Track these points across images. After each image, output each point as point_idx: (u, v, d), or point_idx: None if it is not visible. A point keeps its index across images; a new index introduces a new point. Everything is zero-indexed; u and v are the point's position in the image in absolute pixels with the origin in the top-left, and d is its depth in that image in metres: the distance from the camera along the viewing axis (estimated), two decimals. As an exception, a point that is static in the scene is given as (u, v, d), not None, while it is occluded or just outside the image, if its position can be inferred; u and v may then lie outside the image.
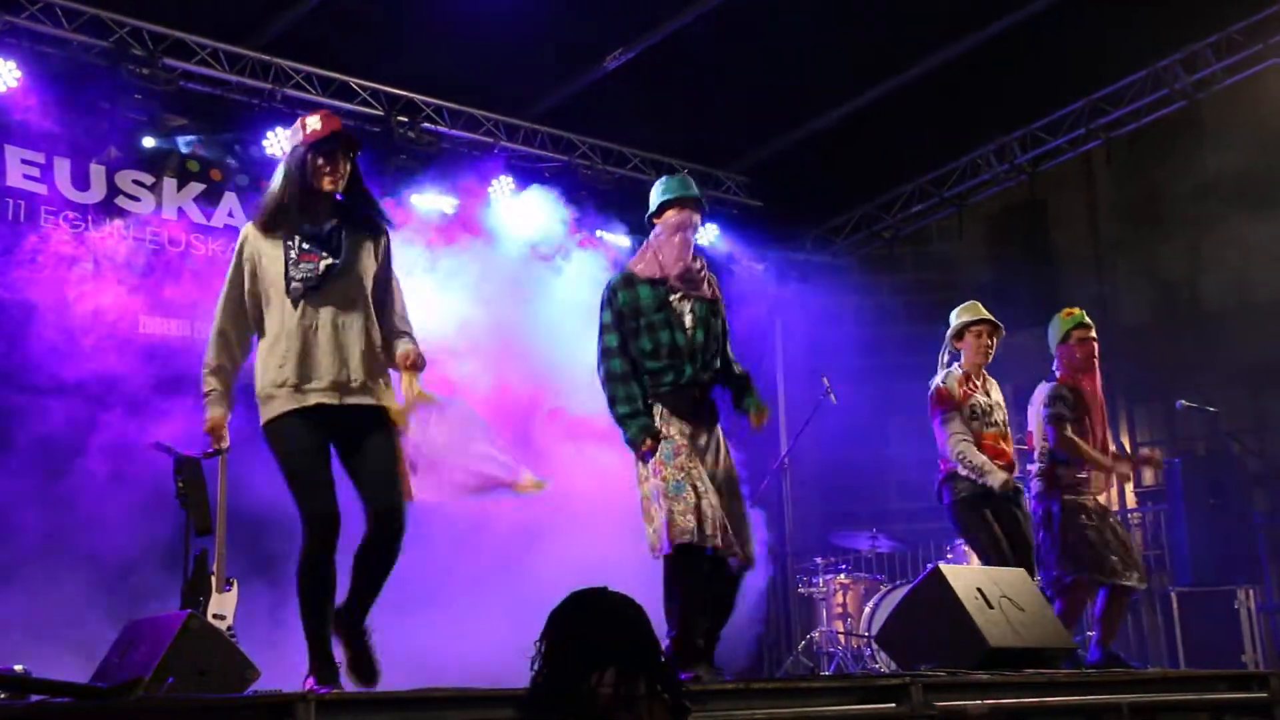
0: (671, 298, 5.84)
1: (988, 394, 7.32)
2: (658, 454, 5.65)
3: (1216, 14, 11.92)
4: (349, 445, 5.07)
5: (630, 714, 2.82)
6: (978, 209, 14.16)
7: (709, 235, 13.10)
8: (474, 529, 9.03)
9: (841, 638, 9.34)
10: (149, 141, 10.39)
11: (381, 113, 11.45)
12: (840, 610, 9.45)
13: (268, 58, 10.83)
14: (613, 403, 5.82)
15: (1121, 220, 14.18)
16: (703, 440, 5.81)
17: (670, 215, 5.89)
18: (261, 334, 5.20)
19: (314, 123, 5.21)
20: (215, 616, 7.14)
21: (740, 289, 12.79)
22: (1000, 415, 7.27)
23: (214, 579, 7.27)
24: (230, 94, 10.80)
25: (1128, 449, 13.69)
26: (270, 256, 5.13)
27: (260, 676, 5.79)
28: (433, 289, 10.62)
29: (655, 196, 6.00)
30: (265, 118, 10.85)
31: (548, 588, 3.46)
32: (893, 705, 5.45)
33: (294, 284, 5.03)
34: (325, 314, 5.04)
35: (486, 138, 12.18)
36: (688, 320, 5.85)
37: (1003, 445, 7.21)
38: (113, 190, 10.22)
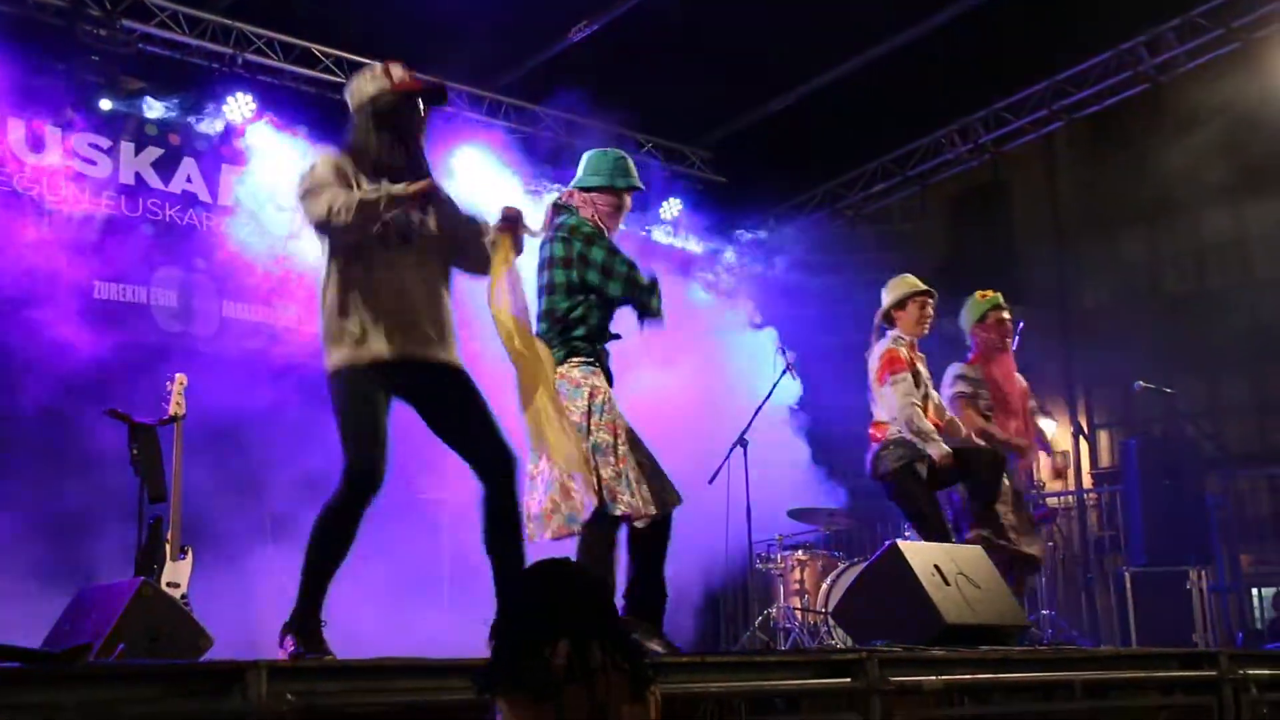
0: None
1: (922, 367, 7.22)
2: (595, 405, 5.33)
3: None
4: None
5: (587, 685, 2.81)
6: (940, 189, 14.19)
7: (673, 210, 13.08)
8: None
9: (798, 614, 9.37)
10: (106, 104, 10.24)
11: (343, 80, 11.31)
12: (797, 587, 9.48)
13: (229, 21, 10.70)
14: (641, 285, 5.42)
15: (1083, 203, 14.27)
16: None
17: (608, 198, 5.61)
18: None
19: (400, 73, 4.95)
20: (169, 584, 7.07)
21: (703, 264, 12.79)
22: (931, 390, 7.18)
23: (168, 547, 7.20)
24: (190, 57, 10.67)
25: (1084, 428, 13.84)
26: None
27: (213, 644, 5.74)
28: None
29: (607, 175, 5.68)
30: (225, 82, 10.72)
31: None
32: (848, 680, 5.45)
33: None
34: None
35: (449, 108, 12.09)
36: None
37: (934, 418, 7.09)
38: (68, 153, 10.07)
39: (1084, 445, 13.84)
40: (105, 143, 10.30)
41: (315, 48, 11.19)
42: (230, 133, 10.83)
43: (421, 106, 4.99)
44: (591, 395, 5.29)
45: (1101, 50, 12.55)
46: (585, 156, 5.77)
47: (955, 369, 7.45)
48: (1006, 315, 7.47)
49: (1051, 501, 12.47)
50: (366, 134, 4.95)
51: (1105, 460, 13.69)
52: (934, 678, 5.69)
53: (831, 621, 8.49)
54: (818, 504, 10.29)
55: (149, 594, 5.48)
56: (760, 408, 8.15)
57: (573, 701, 2.79)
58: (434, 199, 4.79)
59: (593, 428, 5.22)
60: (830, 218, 14.46)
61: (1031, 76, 12.94)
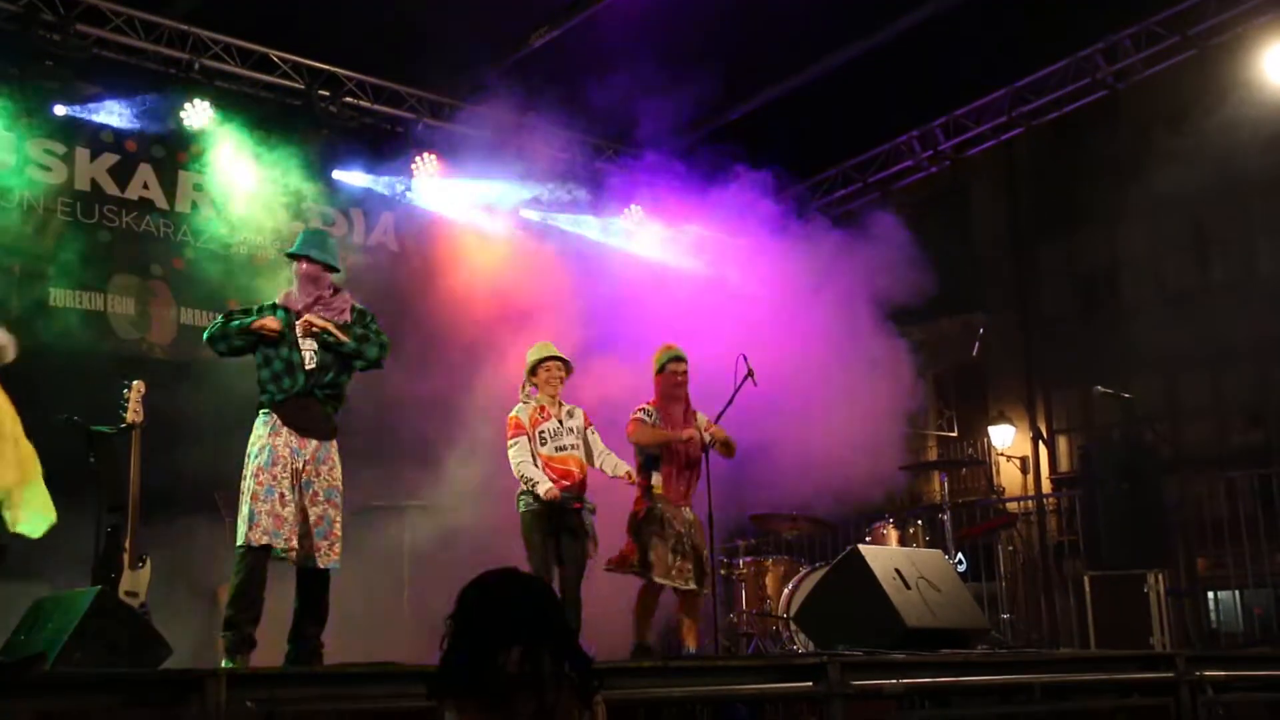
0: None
1: (561, 421, 7.66)
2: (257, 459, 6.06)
3: (1138, 5, 12.07)
4: None
5: (536, 692, 2.83)
6: (901, 195, 14.26)
7: (635, 216, 13.08)
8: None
9: (760, 619, 9.37)
10: (61, 110, 10.15)
11: (302, 86, 11.28)
12: (760, 592, 9.48)
13: (185, 27, 10.62)
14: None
15: (1041, 209, 14.37)
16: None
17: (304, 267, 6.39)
18: None
19: None
20: (127, 593, 6.98)
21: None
22: (571, 440, 7.64)
23: (126, 555, 7.12)
24: (146, 63, 10.58)
25: (1043, 433, 13.92)
26: None
27: (172, 654, 5.69)
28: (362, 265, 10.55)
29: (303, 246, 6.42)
30: (182, 88, 10.65)
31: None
32: (809, 684, 5.48)
33: None
34: None
35: (409, 114, 12.07)
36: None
37: (570, 466, 7.53)
38: (23, 159, 9.98)
39: (1043, 450, 13.93)
40: (60, 149, 10.21)
41: (273, 53, 11.12)
42: (187, 138, 10.76)
43: None
44: (255, 442, 6.12)
45: (1059, 58, 12.64)
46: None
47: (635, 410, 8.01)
48: (683, 367, 8.03)
49: (1011, 507, 12.57)
50: None
51: (1064, 465, 13.78)
52: (895, 681, 5.72)
53: (794, 626, 8.50)
54: (778, 510, 10.29)
55: (106, 604, 5.42)
56: (722, 413, 8.15)
57: (522, 708, 2.82)
58: None
59: (248, 472, 6.03)
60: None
61: (990, 84, 13.02)
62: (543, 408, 7.65)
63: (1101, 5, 11.82)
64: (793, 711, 5.97)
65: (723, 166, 11.91)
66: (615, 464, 7.70)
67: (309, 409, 6.07)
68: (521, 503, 7.46)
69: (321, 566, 6.02)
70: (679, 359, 8.02)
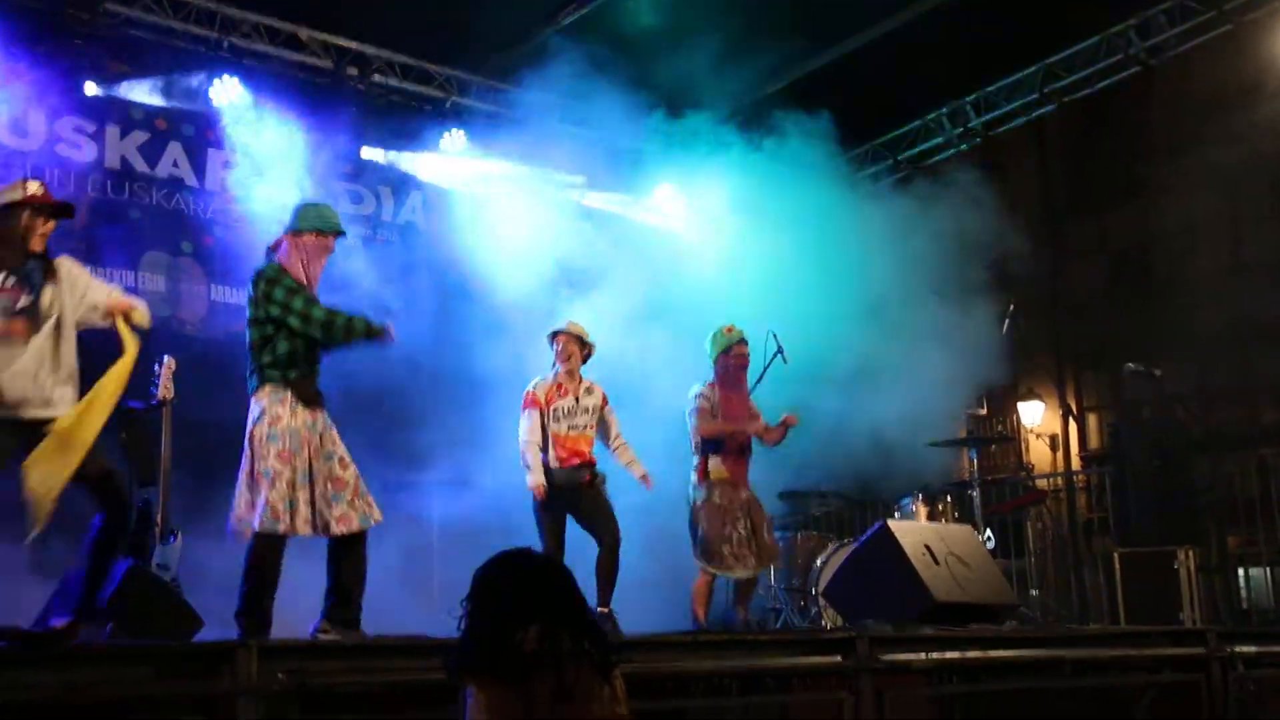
0: None
1: (577, 399, 7.66)
2: (274, 433, 5.73)
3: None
4: None
5: (555, 669, 2.85)
6: (930, 172, 14.16)
7: (667, 190, 13.02)
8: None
9: (789, 594, 9.38)
10: (91, 89, 10.19)
11: (331, 64, 11.30)
12: (789, 567, 9.49)
13: (214, 5, 10.64)
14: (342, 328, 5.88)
15: (1073, 186, 14.25)
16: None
17: (313, 239, 6.05)
18: None
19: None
20: (159, 567, 7.04)
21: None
22: (585, 419, 7.64)
23: (158, 530, 7.18)
24: (175, 41, 10.61)
25: (1074, 410, 13.85)
26: None
27: (203, 626, 5.73)
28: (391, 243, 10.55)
29: (307, 221, 6.09)
30: (211, 66, 10.68)
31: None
32: (838, 658, 5.48)
33: None
34: None
35: (439, 92, 12.07)
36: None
37: (580, 446, 7.58)
38: (53, 138, 10.03)
39: (1073, 427, 13.85)
40: (90, 127, 10.26)
41: (302, 31, 11.14)
42: (216, 117, 10.79)
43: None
44: (272, 422, 5.71)
45: (1092, 34, 12.52)
46: (296, 207, 6.24)
47: (692, 390, 8.03)
48: (745, 349, 8.07)
49: (1041, 484, 12.51)
50: None
51: (1094, 443, 13.69)
52: (923, 656, 5.72)
53: (823, 601, 8.51)
54: (807, 485, 10.30)
55: (139, 576, 5.47)
56: (753, 388, 8.16)
57: (541, 684, 2.84)
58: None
59: (263, 454, 5.66)
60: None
61: (1022, 60, 12.91)
62: (560, 384, 7.69)
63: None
64: (822, 686, 5.97)
65: (754, 145, 11.87)
66: (631, 459, 7.78)
67: (314, 383, 5.95)
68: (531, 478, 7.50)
69: (374, 523, 5.84)
70: (743, 341, 8.05)
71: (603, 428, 7.80)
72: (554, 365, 7.78)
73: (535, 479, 7.42)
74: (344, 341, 5.86)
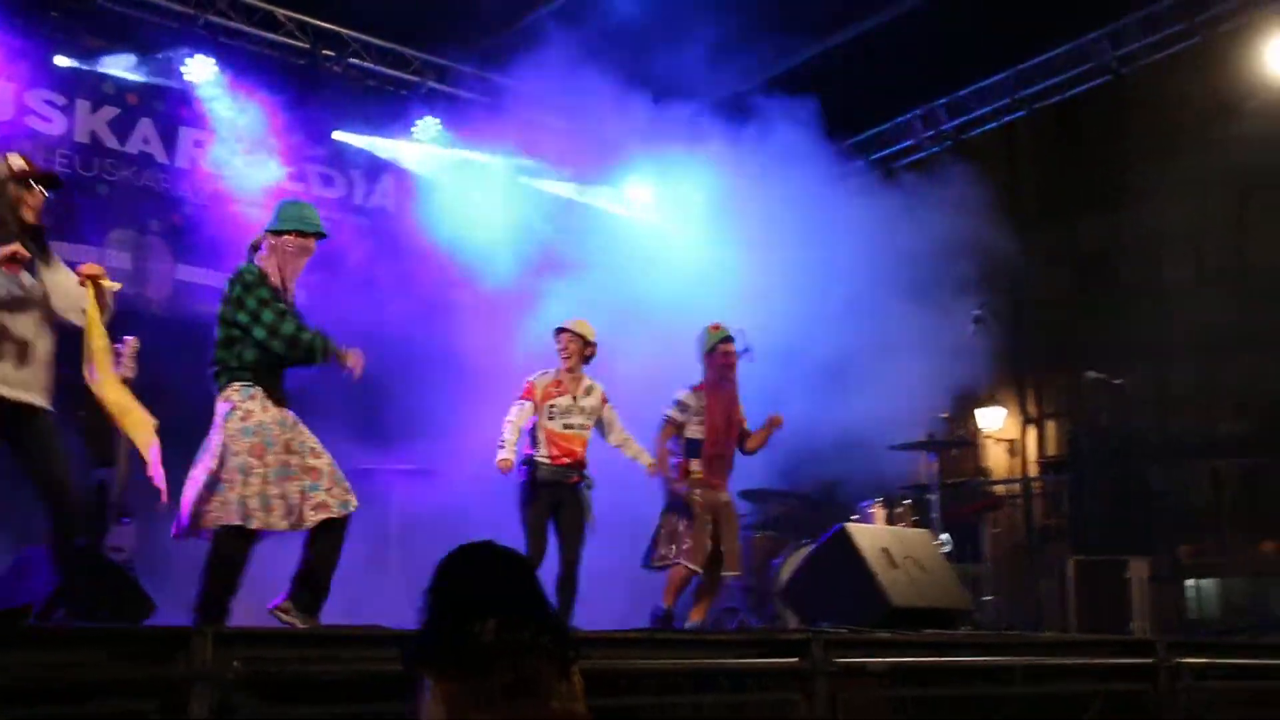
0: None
1: (575, 398, 7.68)
2: (246, 428, 5.70)
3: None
4: None
5: (513, 663, 2.86)
6: (902, 175, 14.22)
7: (639, 180, 13.02)
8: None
9: (746, 593, 9.42)
10: (63, 61, 10.10)
11: (307, 45, 11.24)
12: (746, 566, 9.53)
13: (190, -18, 10.57)
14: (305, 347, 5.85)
15: (1042, 192, 14.32)
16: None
17: (293, 239, 6.02)
18: None
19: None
20: (113, 549, 7.01)
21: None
22: (580, 420, 7.66)
23: (113, 511, 7.14)
24: (151, 17, 10.53)
25: (1033, 417, 13.94)
26: None
27: (156, 610, 5.70)
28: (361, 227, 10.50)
29: (288, 221, 6.06)
30: (186, 43, 10.61)
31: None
32: (795, 660, 5.51)
33: None
34: None
35: (414, 77, 12.03)
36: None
37: (574, 445, 7.59)
38: (23, 109, 9.94)
39: (1033, 433, 13.95)
40: (61, 100, 10.17)
41: (278, 11, 11.07)
42: (189, 94, 10.72)
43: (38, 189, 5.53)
44: (244, 417, 5.69)
45: (1064, 41, 12.60)
46: (278, 205, 6.23)
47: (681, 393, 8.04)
48: (733, 347, 8.07)
49: (1000, 489, 12.60)
50: None
51: (1053, 449, 13.79)
52: (878, 659, 5.76)
53: (780, 602, 8.55)
54: (767, 485, 10.33)
55: (90, 557, 5.43)
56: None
57: (499, 677, 2.84)
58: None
59: (237, 449, 5.62)
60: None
61: (994, 65, 12.98)
62: (560, 381, 7.71)
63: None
64: (776, 687, 6.00)
65: (730, 140, 11.88)
66: (637, 451, 7.79)
67: (282, 385, 5.92)
68: (522, 472, 7.52)
69: (351, 510, 5.79)
70: (729, 339, 8.07)
71: (605, 425, 7.80)
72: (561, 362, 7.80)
73: (501, 455, 7.38)
74: (305, 361, 5.84)
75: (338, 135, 11.54)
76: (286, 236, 5.99)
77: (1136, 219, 13.11)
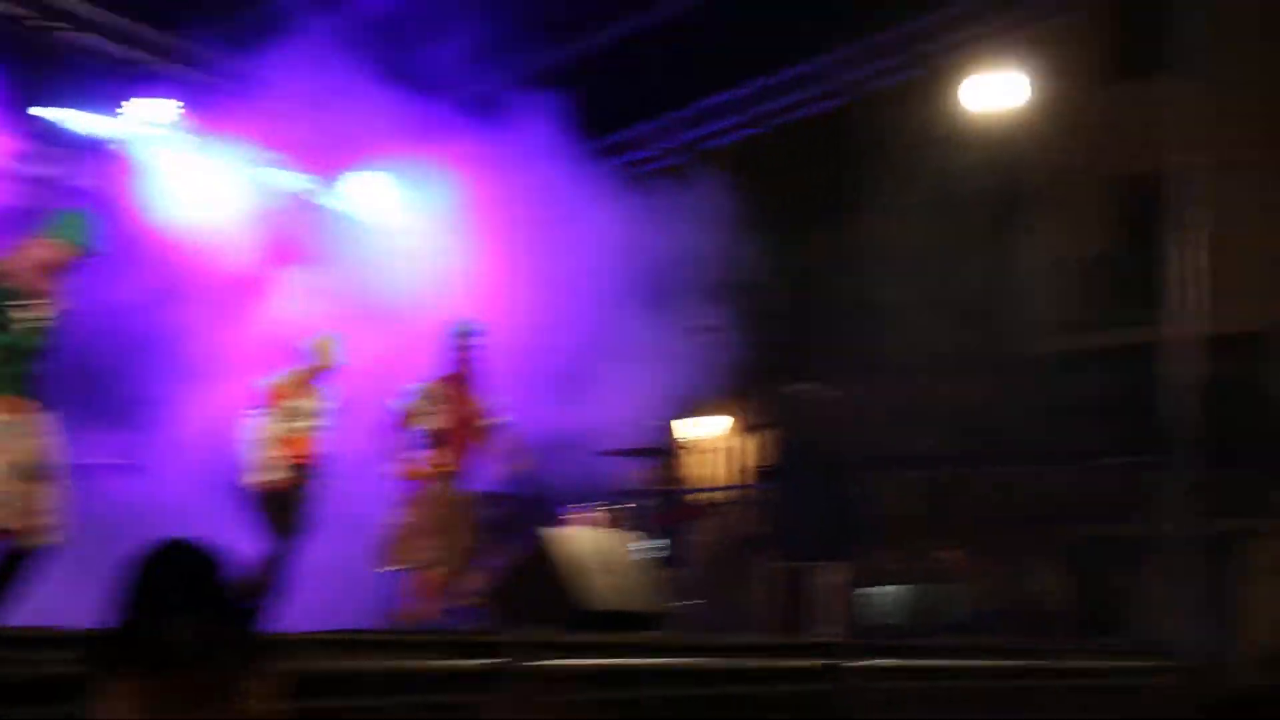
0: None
1: (307, 400, 7.90)
2: None
3: (874, 19, 12.54)
4: None
5: (200, 662, 2.85)
6: (641, 183, 14.47)
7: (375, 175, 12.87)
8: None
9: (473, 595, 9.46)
10: None
11: (27, 14, 10.73)
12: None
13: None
14: None
15: (775, 208, 14.78)
16: None
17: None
18: None
19: None
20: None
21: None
22: (305, 423, 7.83)
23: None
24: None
25: (745, 426, 14.39)
26: None
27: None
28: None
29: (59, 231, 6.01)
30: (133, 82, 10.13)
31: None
32: (484, 661, 5.63)
33: None
34: None
35: (144, 54, 11.61)
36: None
37: (303, 446, 7.79)
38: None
39: (744, 443, 14.41)
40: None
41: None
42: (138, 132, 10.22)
43: None
44: None
45: (796, 63, 13.03)
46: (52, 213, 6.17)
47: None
48: (469, 342, 8.37)
49: (716, 495, 13.01)
50: None
51: (770, 459, 14.27)
52: (569, 661, 5.93)
53: (478, 604, 8.66)
54: (481, 486, 10.41)
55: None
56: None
57: (184, 679, 2.82)
58: None
59: None
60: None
61: (733, 82, 13.32)
62: (298, 382, 7.65)
63: (840, 16, 12.24)
64: (469, 689, 6.10)
65: (477, 137, 11.86)
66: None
67: None
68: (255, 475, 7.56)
69: None
70: (469, 333, 8.25)
71: (320, 420, 7.81)
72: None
73: (255, 475, 7.48)
74: None
75: (50, 112, 10.98)
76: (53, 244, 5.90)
77: (862, 239, 13.70)
